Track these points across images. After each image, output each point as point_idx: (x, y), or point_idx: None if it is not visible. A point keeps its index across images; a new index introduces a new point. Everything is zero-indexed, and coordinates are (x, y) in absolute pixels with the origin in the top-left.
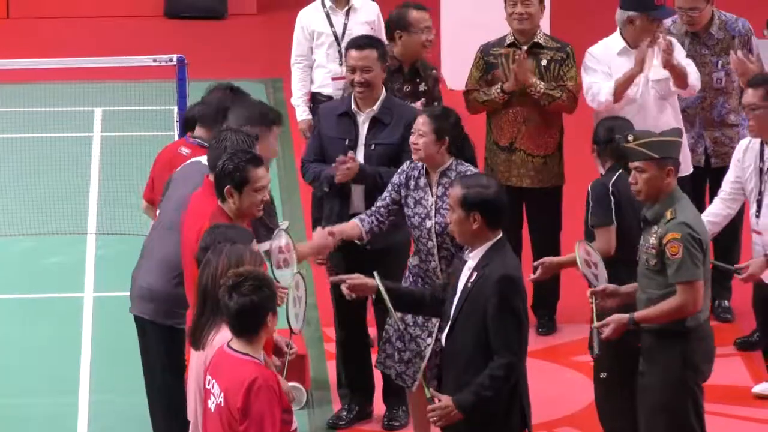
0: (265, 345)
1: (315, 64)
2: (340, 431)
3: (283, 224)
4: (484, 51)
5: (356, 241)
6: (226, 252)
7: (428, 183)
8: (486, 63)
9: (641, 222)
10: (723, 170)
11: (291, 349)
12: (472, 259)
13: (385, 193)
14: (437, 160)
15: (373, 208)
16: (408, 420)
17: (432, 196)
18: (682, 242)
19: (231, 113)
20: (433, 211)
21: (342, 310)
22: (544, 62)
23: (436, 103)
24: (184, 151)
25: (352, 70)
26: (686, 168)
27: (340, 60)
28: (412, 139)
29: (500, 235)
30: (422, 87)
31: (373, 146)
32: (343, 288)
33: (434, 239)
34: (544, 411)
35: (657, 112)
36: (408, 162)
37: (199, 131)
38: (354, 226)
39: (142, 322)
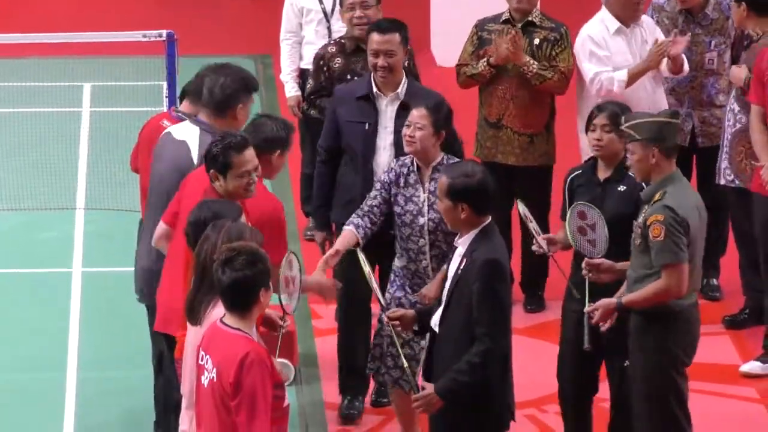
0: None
1: (304, 40)
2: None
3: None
4: (480, 26)
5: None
6: (226, 228)
7: (419, 179)
8: (480, 38)
9: (637, 203)
10: (710, 150)
11: (285, 322)
12: (462, 245)
13: (374, 193)
14: (431, 155)
15: (365, 209)
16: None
17: (424, 192)
18: (664, 225)
19: (207, 79)
20: (426, 208)
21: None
22: (536, 41)
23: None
24: (166, 123)
25: (375, 54)
26: None
27: (329, 37)
28: (407, 131)
29: (488, 220)
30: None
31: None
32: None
33: (426, 237)
34: (532, 388)
35: (651, 91)
36: (395, 159)
37: (184, 105)
38: (351, 236)
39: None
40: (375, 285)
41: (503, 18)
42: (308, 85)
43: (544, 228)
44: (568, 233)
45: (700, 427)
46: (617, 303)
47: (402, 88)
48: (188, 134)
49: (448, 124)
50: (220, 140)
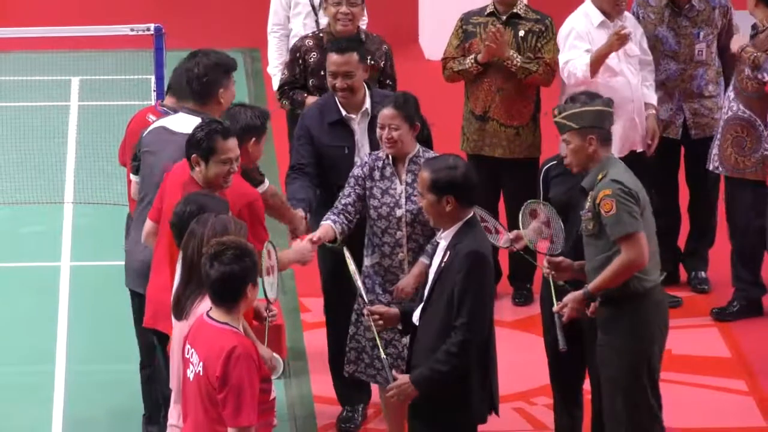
0: (245, 313)
1: (291, 33)
2: None
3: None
4: (465, 19)
5: (327, 244)
6: (212, 222)
7: (395, 172)
8: (465, 32)
9: (580, 193)
10: (703, 141)
11: (271, 312)
12: (445, 239)
13: (348, 189)
14: (408, 148)
15: (339, 207)
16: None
17: (401, 184)
18: (614, 197)
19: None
20: (403, 200)
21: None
22: (521, 33)
23: (389, 82)
24: (151, 118)
25: (333, 75)
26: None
27: (318, 30)
28: (383, 133)
29: (471, 213)
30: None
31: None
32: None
33: (404, 229)
34: (521, 381)
35: (636, 83)
36: (369, 154)
37: (168, 100)
38: (328, 229)
39: (139, 297)
40: (360, 284)
41: (488, 11)
42: (282, 75)
43: None
44: (524, 235)
45: (690, 419)
46: (584, 292)
47: (367, 103)
48: (186, 125)
49: (418, 114)
50: (205, 125)
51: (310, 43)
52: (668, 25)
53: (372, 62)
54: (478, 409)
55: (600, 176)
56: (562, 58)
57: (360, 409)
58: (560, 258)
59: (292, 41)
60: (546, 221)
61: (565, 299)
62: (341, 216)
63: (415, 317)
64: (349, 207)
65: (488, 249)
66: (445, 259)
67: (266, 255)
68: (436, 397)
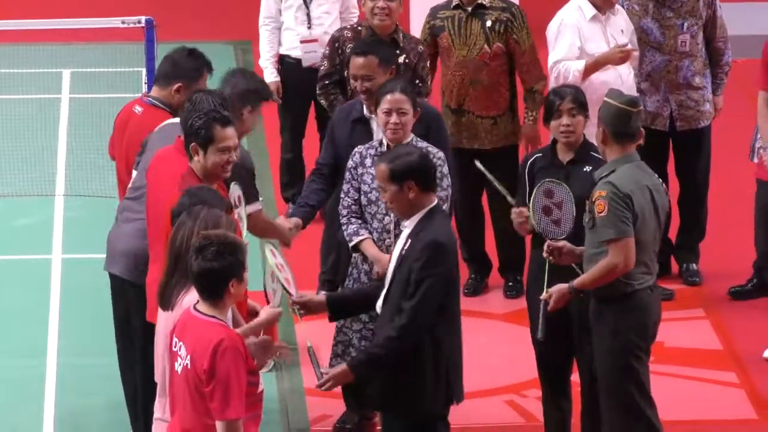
0: (238, 304)
1: (283, 26)
2: None
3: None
4: (432, 14)
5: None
6: (203, 216)
7: None
8: (432, 27)
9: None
10: (689, 133)
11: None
12: (408, 227)
13: (346, 187)
14: (408, 135)
15: (353, 209)
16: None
17: None
18: (607, 200)
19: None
20: None
21: None
22: (488, 23)
23: (418, 83)
24: (137, 109)
25: (354, 78)
26: None
27: (308, 23)
28: (393, 119)
29: (435, 202)
30: (401, 59)
31: None
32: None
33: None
34: (511, 373)
35: (626, 75)
36: (360, 146)
37: (154, 90)
38: (372, 243)
39: (121, 282)
40: (283, 277)
41: (454, 3)
42: (322, 67)
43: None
44: (531, 213)
45: (681, 412)
46: (569, 287)
47: None
48: None
49: (417, 100)
50: (203, 114)
51: (349, 35)
52: (652, 16)
53: (406, 60)
54: (433, 401)
55: (607, 173)
56: (552, 57)
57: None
58: (562, 243)
59: (284, 34)
60: (558, 203)
61: (552, 289)
62: (360, 219)
63: (378, 305)
64: (356, 206)
65: (450, 238)
66: (405, 247)
67: (270, 255)
68: (394, 388)
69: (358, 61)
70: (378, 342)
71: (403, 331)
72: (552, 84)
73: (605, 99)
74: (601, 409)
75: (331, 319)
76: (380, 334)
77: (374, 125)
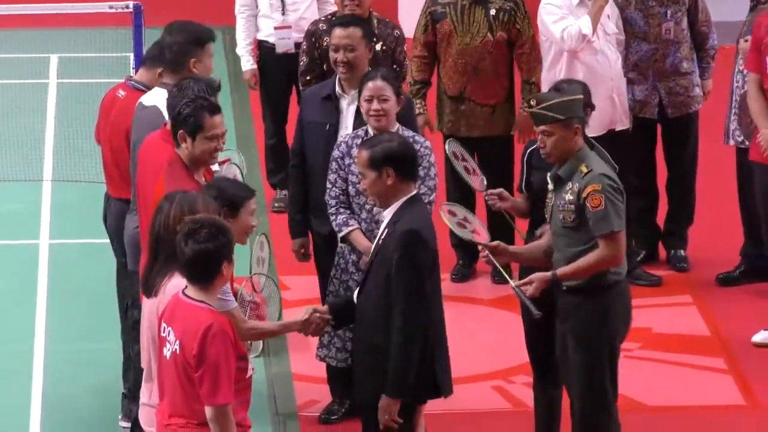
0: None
1: (260, 13)
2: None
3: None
4: (432, 1)
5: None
6: (179, 199)
7: None
8: (433, 13)
9: (551, 181)
10: (681, 119)
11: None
12: (386, 216)
13: (333, 177)
14: (392, 123)
15: (341, 199)
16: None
17: None
18: (603, 193)
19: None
20: None
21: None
22: (492, 12)
23: (396, 68)
24: (120, 93)
25: (336, 48)
26: (626, 122)
27: (283, 10)
28: (373, 106)
29: (414, 191)
30: (378, 47)
31: None
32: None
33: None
34: (499, 359)
35: (614, 61)
36: (345, 135)
37: (139, 73)
38: (360, 235)
39: (125, 266)
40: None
41: None
42: (301, 62)
43: None
44: (455, 231)
45: (668, 398)
46: (552, 275)
47: None
48: (157, 98)
49: (401, 88)
50: (190, 101)
51: (324, 27)
52: (636, 6)
53: (383, 47)
54: (421, 385)
55: (583, 168)
56: (556, 29)
57: (346, 403)
58: (495, 243)
59: (261, 20)
60: (464, 219)
61: (531, 277)
62: (349, 210)
63: (356, 296)
64: (344, 197)
65: (428, 227)
66: (383, 237)
67: (258, 247)
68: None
69: (341, 31)
70: (393, 354)
71: (408, 332)
72: (566, 48)
73: (568, 98)
74: (572, 398)
75: (335, 327)
76: (387, 343)
77: (344, 103)
